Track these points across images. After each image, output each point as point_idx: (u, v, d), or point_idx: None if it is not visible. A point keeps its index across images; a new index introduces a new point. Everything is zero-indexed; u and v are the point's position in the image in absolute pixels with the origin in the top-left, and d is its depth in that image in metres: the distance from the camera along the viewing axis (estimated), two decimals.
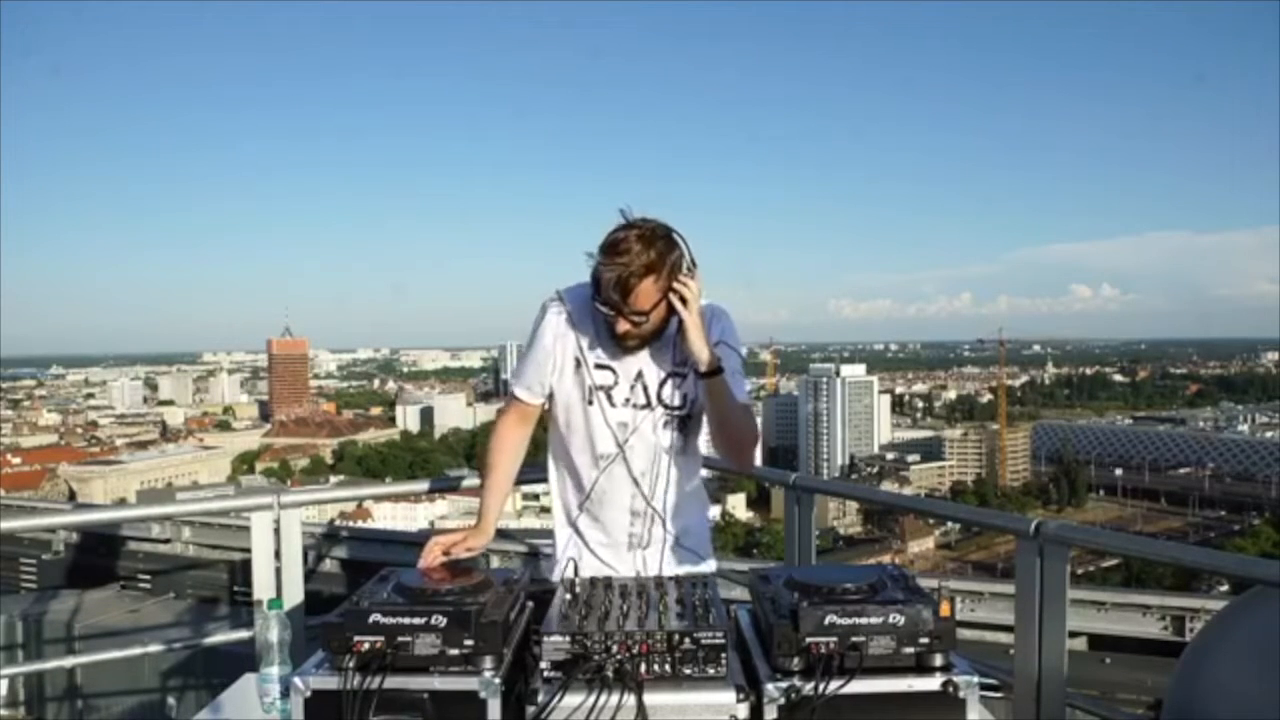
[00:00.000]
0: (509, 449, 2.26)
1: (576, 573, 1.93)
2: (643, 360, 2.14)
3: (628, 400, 2.15)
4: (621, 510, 2.19)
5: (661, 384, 2.15)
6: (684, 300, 2.00)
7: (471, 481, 3.14)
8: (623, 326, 2.03)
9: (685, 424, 2.19)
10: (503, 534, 4.91)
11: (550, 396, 2.21)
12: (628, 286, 1.96)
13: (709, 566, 2.28)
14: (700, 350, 2.02)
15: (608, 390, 2.14)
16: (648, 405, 2.15)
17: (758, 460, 2.42)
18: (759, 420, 2.43)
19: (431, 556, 2.05)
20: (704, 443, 2.30)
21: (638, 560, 2.22)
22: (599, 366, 2.14)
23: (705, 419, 2.18)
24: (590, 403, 2.15)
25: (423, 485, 3.71)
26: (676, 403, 2.16)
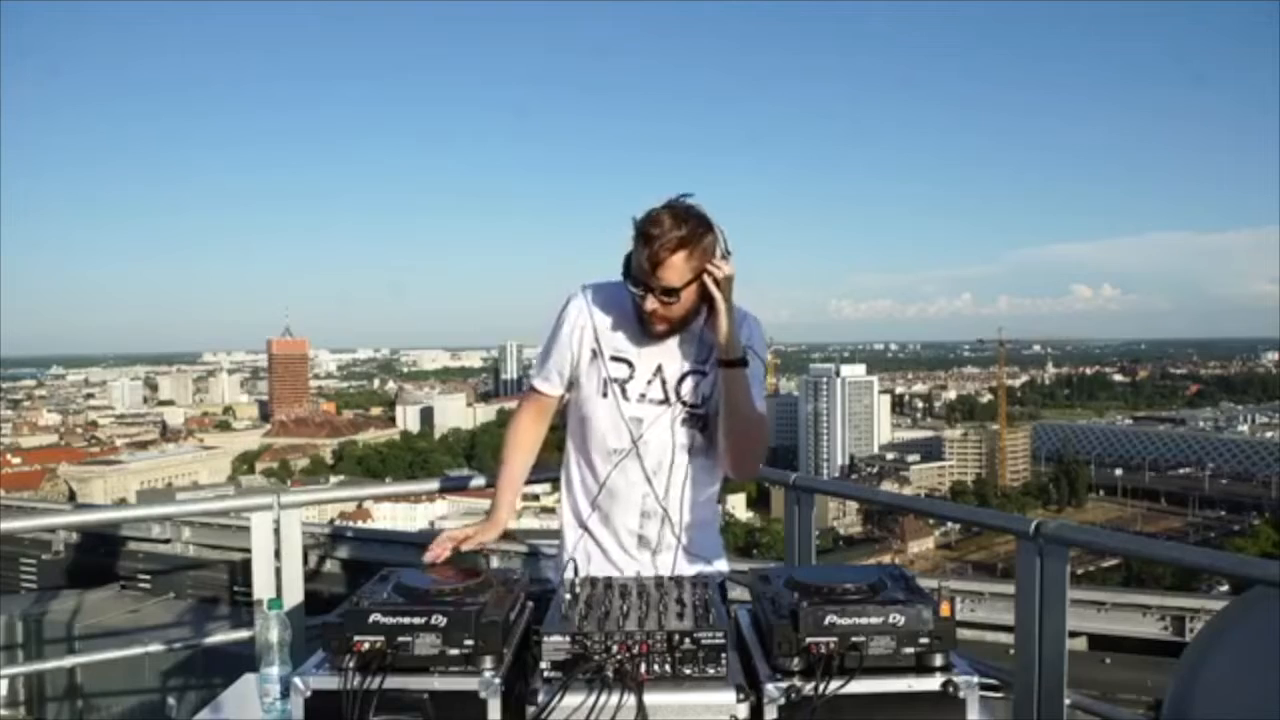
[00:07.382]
0: (525, 443, 2.22)
1: (576, 572, 1.92)
2: (663, 354, 2.07)
3: (644, 395, 2.07)
4: (632, 509, 2.11)
5: (680, 379, 2.07)
6: (717, 282, 1.94)
7: (478, 481, 3.14)
8: (651, 304, 1.95)
9: (704, 424, 2.10)
10: (504, 534, 4.90)
11: (571, 387, 2.15)
12: (657, 259, 1.90)
13: (721, 565, 2.20)
14: (726, 334, 1.96)
15: (623, 383, 2.07)
16: (665, 401, 2.07)
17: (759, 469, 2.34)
18: None
19: (440, 550, 2.00)
20: None
21: (646, 568, 2.11)
22: (615, 359, 2.08)
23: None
24: (604, 395, 2.08)
25: (423, 485, 3.71)
26: (695, 400, 2.08)
